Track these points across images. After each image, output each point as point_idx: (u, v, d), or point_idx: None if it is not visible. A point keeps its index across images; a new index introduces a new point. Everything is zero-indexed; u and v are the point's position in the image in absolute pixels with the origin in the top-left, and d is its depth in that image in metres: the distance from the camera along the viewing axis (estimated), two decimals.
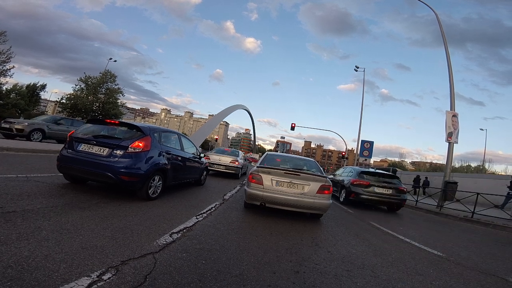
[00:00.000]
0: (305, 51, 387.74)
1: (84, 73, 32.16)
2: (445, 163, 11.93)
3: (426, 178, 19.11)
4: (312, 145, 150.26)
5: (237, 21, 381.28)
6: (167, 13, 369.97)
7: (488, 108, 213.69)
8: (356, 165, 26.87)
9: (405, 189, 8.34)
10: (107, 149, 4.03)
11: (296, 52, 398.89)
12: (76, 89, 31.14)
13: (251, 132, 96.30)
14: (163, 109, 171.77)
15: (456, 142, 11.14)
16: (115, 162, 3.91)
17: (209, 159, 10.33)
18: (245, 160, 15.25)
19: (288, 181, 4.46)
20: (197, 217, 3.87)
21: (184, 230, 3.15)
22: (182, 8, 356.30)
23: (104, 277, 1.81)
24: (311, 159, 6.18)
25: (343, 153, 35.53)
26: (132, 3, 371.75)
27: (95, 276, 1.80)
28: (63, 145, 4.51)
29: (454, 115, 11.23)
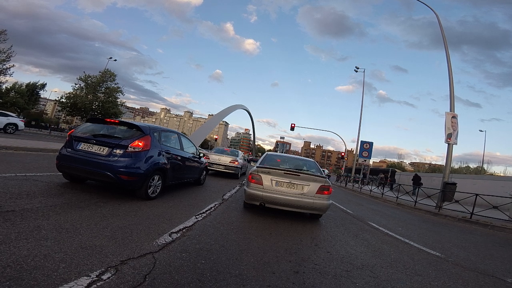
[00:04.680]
0: (304, 53, 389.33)
1: (84, 72, 32.17)
2: (443, 164, 11.95)
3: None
4: (312, 146, 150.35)
5: (236, 22, 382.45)
6: (167, 14, 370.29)
7: (485, 109, 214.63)
8: (355, 166, 27.01)
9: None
10: (107, 148, 4.02)
11: (295, 53, 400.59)
12: (75, 88, 31.12)
13: (251, 132, 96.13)
14: (163, 108, 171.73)
15: (456, 143, 11.13)
16: (114, 162, 3.90)
17: (209, 158, 10.33)
18: (245, 160, 15.25)
19: (288, 181, 4.46)
20: (197, 216, 3.87)
21: (184, 230, 3.14)
22: (182, 9, 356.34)
23: (104, 277, 1.81)
24: (311, 160, 6.18)
25: (342, 154, 35.57)
26: (133, 4, 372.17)
27: (95, 276, 1.80)
28: (63, 144, 4.51)
29: (454, 116, 11.23)
